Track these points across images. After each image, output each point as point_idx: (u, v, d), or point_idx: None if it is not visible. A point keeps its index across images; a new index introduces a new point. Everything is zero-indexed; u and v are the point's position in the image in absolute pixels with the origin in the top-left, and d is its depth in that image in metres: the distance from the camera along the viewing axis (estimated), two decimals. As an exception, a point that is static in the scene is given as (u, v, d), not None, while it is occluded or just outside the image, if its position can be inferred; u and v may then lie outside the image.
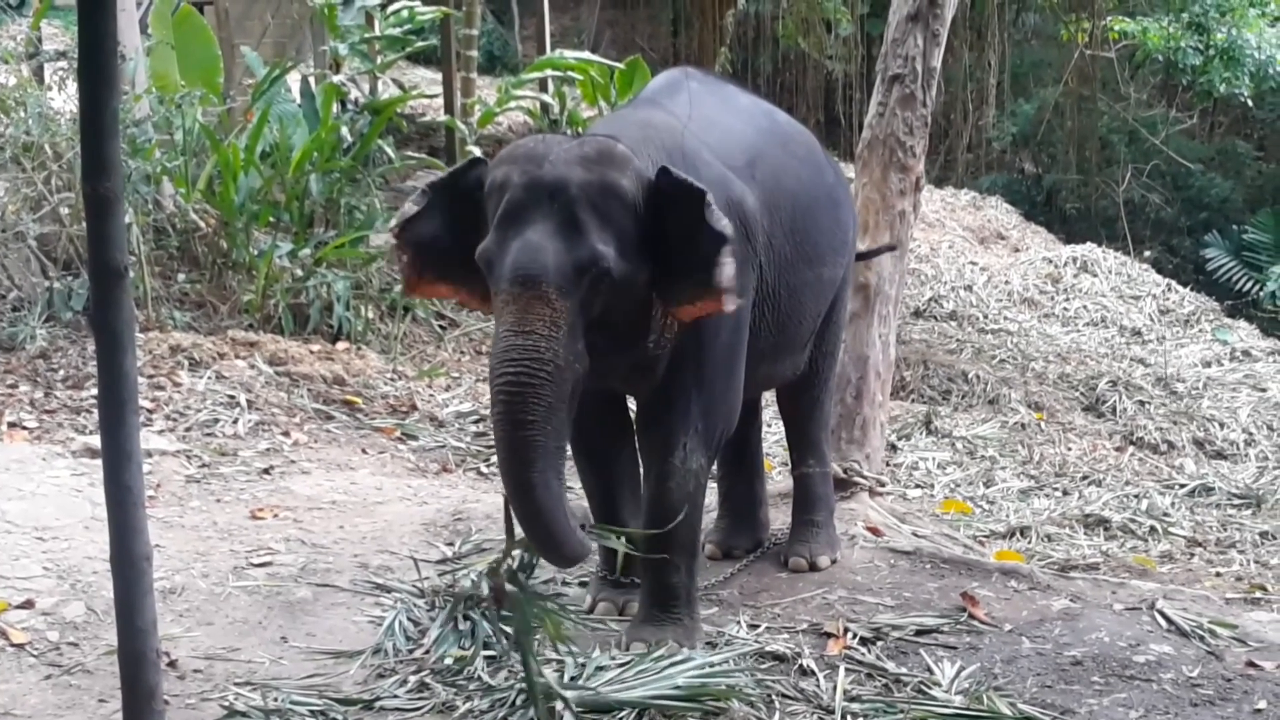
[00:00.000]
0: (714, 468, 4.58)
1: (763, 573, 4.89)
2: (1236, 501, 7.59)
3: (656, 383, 4.11)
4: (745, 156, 4.30)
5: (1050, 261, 14.19)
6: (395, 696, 3.77)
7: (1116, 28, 16.79)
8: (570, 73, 11.60)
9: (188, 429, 6.31)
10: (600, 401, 4.29)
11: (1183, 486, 7.83)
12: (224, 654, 4.09)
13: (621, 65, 11.28)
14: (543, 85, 12.84)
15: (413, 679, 3.86)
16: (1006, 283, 13.27)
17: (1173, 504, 7.41)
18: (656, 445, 4.15)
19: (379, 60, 10.52)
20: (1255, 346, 12.41)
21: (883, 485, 6.08)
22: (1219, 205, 20.42)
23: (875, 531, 5.49)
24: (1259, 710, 3.84)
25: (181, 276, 8.12)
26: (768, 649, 4.09)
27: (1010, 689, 3.90)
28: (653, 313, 3.91)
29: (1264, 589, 5.76)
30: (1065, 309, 12.90)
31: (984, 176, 20.35)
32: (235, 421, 6.44)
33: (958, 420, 8.87)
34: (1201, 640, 4.35)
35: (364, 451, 6.47)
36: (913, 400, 9.47)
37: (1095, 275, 13.88)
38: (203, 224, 8.34)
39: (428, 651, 4.04)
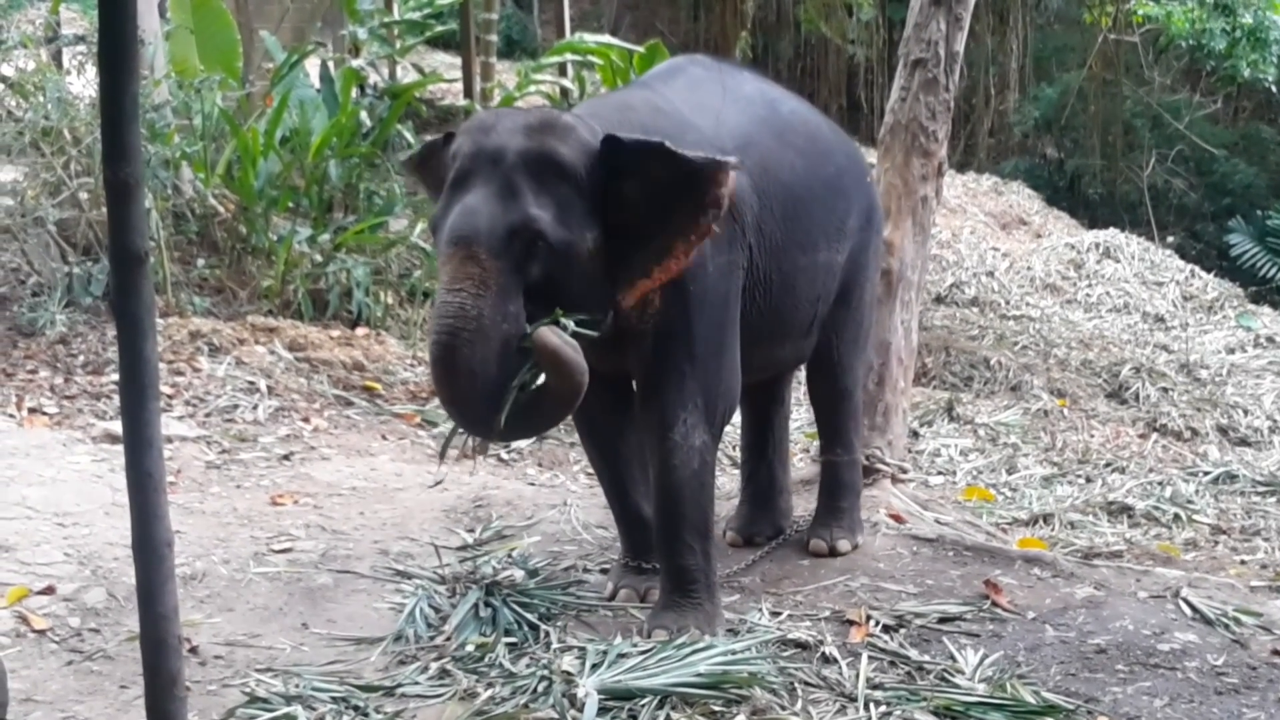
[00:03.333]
0: (739, 452, 4.56)
1: (784, 560, 4.87)
2: (1261, 489, 7.54)
3: (648, 359, 4.15)
4: (735, 142, 4.30)
5: (1073, 247, 14.15)
6: (416, 683, 3.76)
7: (1140, 11, 16.68)
8: (590, 57, 11.56)
9: (208, 415, 6.31)
10: (602, 381, 4.31)
11: (1207, 474, 7.77)
12: (245, 640, 4.09)
13: (641, 49, 11.23)
14: (562, 69, 12.82)
15: (434, 666, 3.86)
16: (1028, 268, 13.24)
17: (1197, 491, 7.36)
18: (654, 422, 4.16)
19: (398, 45, 10.53)
20: (1279, 333, 12.36)
21: (905, 472, 6.05)
22: (1243, 191, 20.32)
23: (897, 518, 5.47)
24: (1285, 699, 3.81)
25: (201, 262, 8.12)
26: (790, 636, 4.08)
27: (1034, 677, 3.87)
28: (616, 285, 3.96)
29: (1289, 577, 5.72)
30: (1088, 295, 12.87)
31: (1006, 161, 20.31)
32: (255, 407, 6.45)
33: (980, 407, 8.84)
34: (1226, 628, 4.31)
35: (384, 438, 6.47)
36: (935, 387, 9.45)
37: (1118, 261, 13.84)
38: (222, 209, 8.33)
39: (449, 638, 4.04)
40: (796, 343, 4.79)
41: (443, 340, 3.69)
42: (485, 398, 3.73)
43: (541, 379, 3.75)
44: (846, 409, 5.10)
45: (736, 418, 6.44)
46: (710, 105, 4.42)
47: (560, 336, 3.72)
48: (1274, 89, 17.74)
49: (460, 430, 4.01)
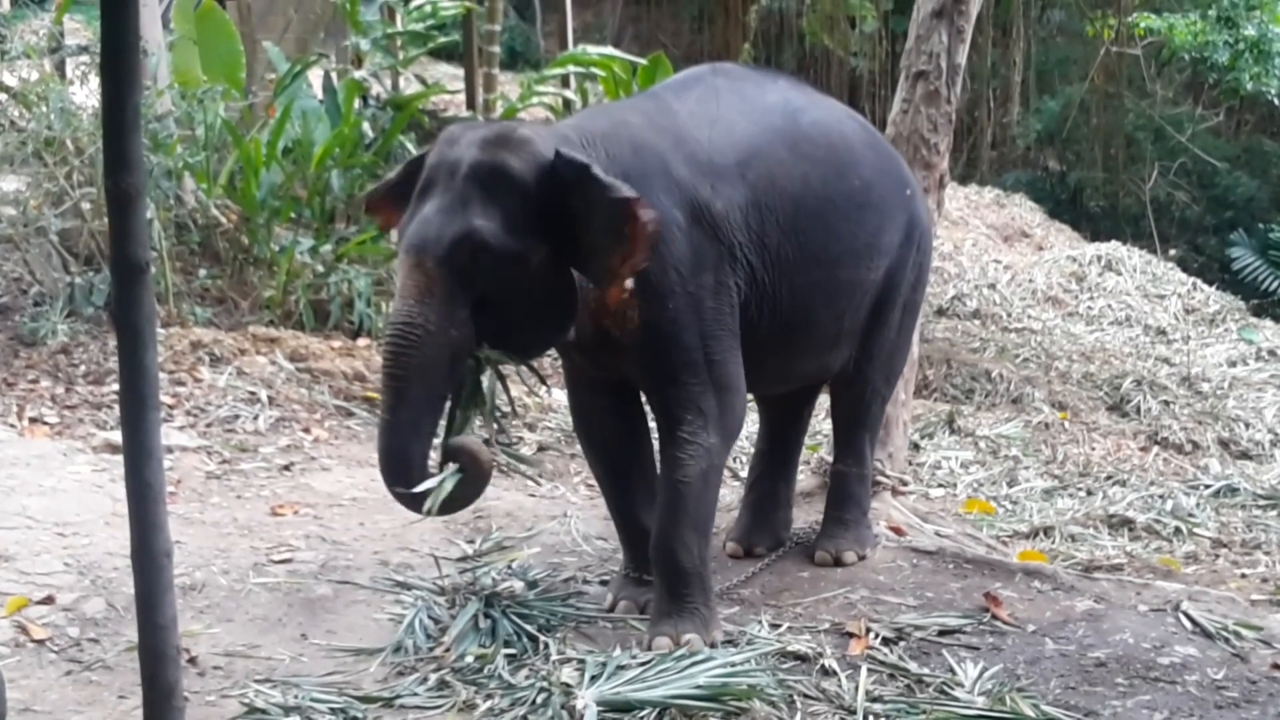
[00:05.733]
0: (739, 463, 4.56)
1: (784, 572, 4.87)
2: (1262, 502, 7.54)
3: (641, 372, 4.20)
4: (737, 156, 4.29)
5: (1074, 260, 14.17)
6: (415, 694, 3.76)
7: (1143, 24, 16.72)
8: (593, 69, 11.53)
9: (208, 425, 6.31)
10: (607, 392, 4.38)
11: (1208, 487, 7.78)
12: (244, 651, 4.09)
13: (644, 61, 11.22)
14: (565, 81, 12.80)
15: (433, 677, 3.85)
16: (1030, 281, 13.24)
17: (1197, 504, 7.37)
18: (663, 424, 4.22)
19: (401, 56, 10.53)
20: (1280, 346, 12.38)
21: (905, 484, 6.05)
22: (1245, 204, 20.34)
23: (898, 531, 5.47)
24: (1285, 713, 3.81)
25: (203, 272, 8.13)
26: (789, 649, 4.07)
27: (1033, 690, 3.87)
28: (576, 294, 3.99)
29: (1290, 590, 5.73)
30: (1089, 308, 12.88)
31: (1008, 174, 20.33)
32: (256, 418, 6.45)
33: (981, 419, 8.84)
34: (1226, 642, 4.31)
35: (385, 448, 6.45)
36: (936, 399, 9.46)
37: (1120, 274, 13.85)
38: (224, 219, 8.35)
39: (448, 649, 4.03)
40: (820, 357, 4.77)
41: (392, 343, 3.80)
42: (428, 406, 3.85)
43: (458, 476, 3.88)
44: (864, 422, 5.10)
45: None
46: (720, 117, 4.39)
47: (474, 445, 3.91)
48: (1277, 102, 17.74)
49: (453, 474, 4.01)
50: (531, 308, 3.94)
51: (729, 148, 4.30)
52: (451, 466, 3.87)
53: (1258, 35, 15.31)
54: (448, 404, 3.95)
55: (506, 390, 4.18)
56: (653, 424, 4.40)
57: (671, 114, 4.33)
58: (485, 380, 4.03)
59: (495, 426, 4.15)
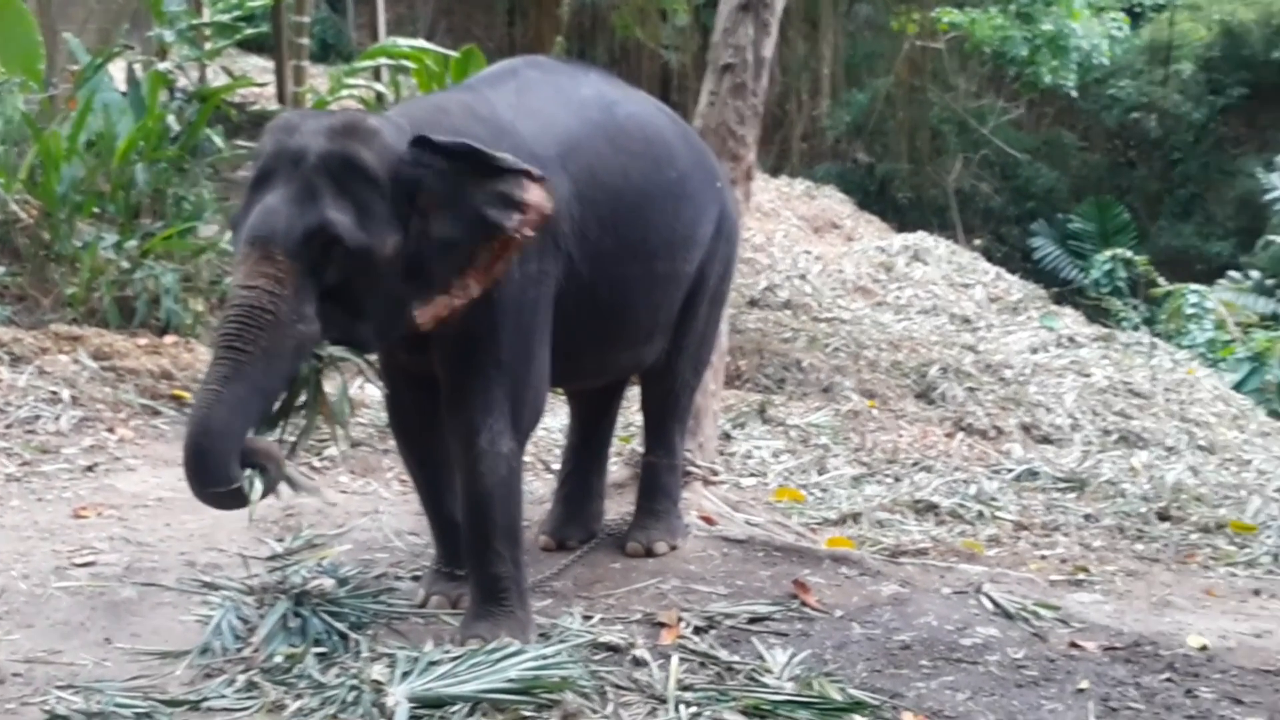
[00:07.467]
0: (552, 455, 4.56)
1: (597, 563, 4.89)
2: (1061, 485, 7.74)
3: (453, 364, 4.13)
4: (558, 148, 4.29)
5: (883, 250, 14.41)
6: (223, 696, 3.68)
7: (945, 19, 17.10)
8: (405, 61, 11.46)
9: (7, 426, 6.14)
10: (416, 385, 4.33)
11: (1010, 471, 7.96)
12: (45, 657, 3.98)
13: (456, 54, 11.17)
14: (377, 74, 12.71)
15: (241, 678, 3.78)
16: (840, 271, 13.42)
17: (1000, 489, 7.53)
18: (461, 429, 4.13)
19: (207, 47, 10.36)
20: (1080, 333, 12.74)
21: (716, 474, 6.11)
22: (1045, 195, 20.96)
23: (709, 520, 5.53)
24: (1081, 690, 3.92)
25: (1, 269, 7.90)
26: (601, 640, 4.08)
27: (841, 674, 3.94)
28: (415, 299, 3.92)
29: (1086, 570, 5.88)
30: (897, 297, 13.08)
31: (818, 166, 20.65)
32: (58, 418, 6.29)
33: (792, 408, 8.94)
34: (1026, 622, 4.45)
35: (193, 447, 6.34)
36: (747, 389, 9.53)
37: (926, 264, 14.11)
38: (24, 215, 8.12)
39: (257, 650, 3.96)
40: (634, 350, 4.79)
41: (235, 331, 3.63)
42: (260, 393, 3.70)
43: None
44: (674, 413, 5.14)
45: (550, 420, 6.50)
46: (537, 109, 4.38)
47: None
48: (1074, 95, 18.28)
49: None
50: (376, 303, 3.87)
51: (550, 140, 4.29)
52: (250, 471, 3.69)
53: (1055, 30, 15.79)
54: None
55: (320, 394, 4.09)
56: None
57: (490, 105, 4.30)
58: (331, 385, 3.95)
59: (341, 431, 4.10)
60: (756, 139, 6.29)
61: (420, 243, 3.87)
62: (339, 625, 4.12)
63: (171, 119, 9.06)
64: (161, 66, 9.63)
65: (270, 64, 13.70)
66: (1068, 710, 3.79)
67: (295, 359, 3.73)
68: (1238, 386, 12.30)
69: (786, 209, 15.66)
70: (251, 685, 3.74)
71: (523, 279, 4.09)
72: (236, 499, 3.65)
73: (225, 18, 10.24)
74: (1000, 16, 16.10)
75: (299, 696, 3.65)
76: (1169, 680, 4.04)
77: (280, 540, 5.03)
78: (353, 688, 3.62)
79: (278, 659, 3.89)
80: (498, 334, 4.08)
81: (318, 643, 4.00)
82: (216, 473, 3.62)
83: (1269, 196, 19.04)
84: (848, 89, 21.51)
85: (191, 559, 4.80)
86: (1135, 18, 21.66)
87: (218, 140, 9.38)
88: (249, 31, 10.73)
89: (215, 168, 9.53)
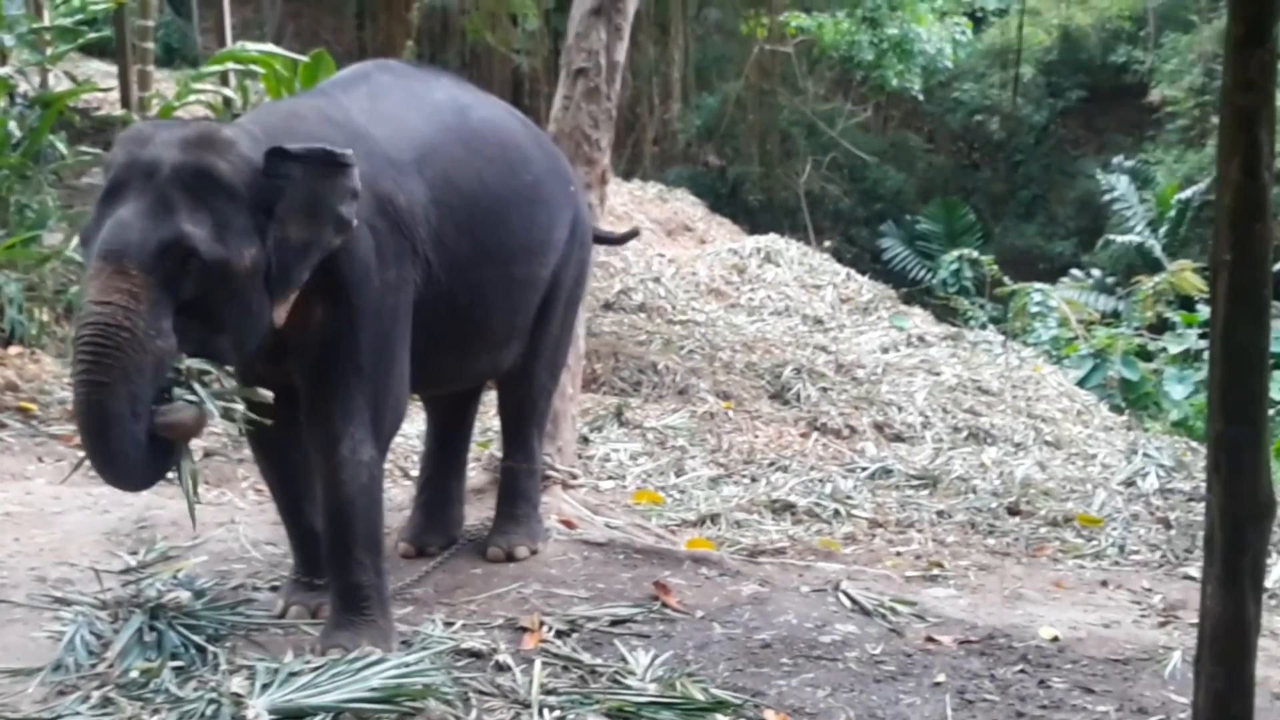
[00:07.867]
0: (410, 462, 4.54)
1: (457, 569, 4.88)
2: (914, 482, 7.84)
3: (313, 372, 4.10)
4: (414, 153, 4.29)
5: (735, 252, 14.48)
6: (78, 713, 3.61)
7: (793, 23, 17.27)
8: (253, 66, 11.32)
9: None
10: (276, 394, 4.24)
11: (864, 469, 8.05)
12: (-111, 678, 3.88)
13: (306, 58, 11.05)
14: (224, 79, 12.51)
15: (96, 694, 3.71)
16: (694, 274, 13.48)
17: (855, 487, 7.61)
18: (321, 438, 4.10)
19: (49, 52, 10.12)
20: (929, 332, 12.91)
21: (575, 478, 6.12)
22: (893, 196, 21.27)
23: (569, 524, 5.53)
24: (938, 683, 4.00)
25: None
26: (464, 646, 4.08)
27: (703, 674, 3.97)
28: (275, 300, 3.88)
29: (940, 566, 5.98)
30: (750, 299, 13.17)
31: (670, 169, 20.74)
32: (-103, 433, 6.13)
33: (648, 411, 8.98)
34: (883, 618, 4.53)
35: (40, 460, 6.22)
36: (604, 392, 9.55)
37: (778, 265, 14.21)
38: None
39: (111, 665, 3.89)
40: (492, 355, 4.80)
41: (92, 349, 3.56)
42: (128, 399, 3.60)
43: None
44: (532, 418, 5.16)
45: (409, 427, 6.45)
46: (391, 113, 4.37)
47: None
48: (920, 98, 18.58)
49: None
50: (234, 314, 3.80)
51: (406, 144, 4.29)
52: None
53: (901, 35, 16.04)
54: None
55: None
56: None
57: (344, 110, 4.28)
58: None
59: (237, 430, 4.06)
60: (610, 143, 6.31)
61: (280, 249, 3.82)
62: (196, 638, 4.05)
63: (13, 125, 8.86)
64: (2, 71, 9.41)
65: (114, 69, 13.42)
66: (925, 704, 3.85)
67: (154, 376, 3.65)
68: (1081, 383, 12.54)
69: (640, 212, 15.70)
70: (107, 701, 3.67)
71: (382, 286, 4.07)
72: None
73: (67, 21, 10.03)
74: (847, 21, 16.33)
75: (156, 712, 3.59)
76: (1022, 671, 4.14)
77: (134, 553, 4.94)
78: (211, 701, 3.57)
79: (133, 674, 3.81)
80: (358, 341, 4.05)
81: (174, 656, 3.93)
82: (147, 475, 3.73)
83: (1108, 197, 19.52)
84: (698, 93, 21.65)
85: (42, 574, 4.69)
86: (978, 22, 22.08)
87: (61, 146, 9.18)
88: (91, 36, 10.50)
89: (59, 174, 9.32)
